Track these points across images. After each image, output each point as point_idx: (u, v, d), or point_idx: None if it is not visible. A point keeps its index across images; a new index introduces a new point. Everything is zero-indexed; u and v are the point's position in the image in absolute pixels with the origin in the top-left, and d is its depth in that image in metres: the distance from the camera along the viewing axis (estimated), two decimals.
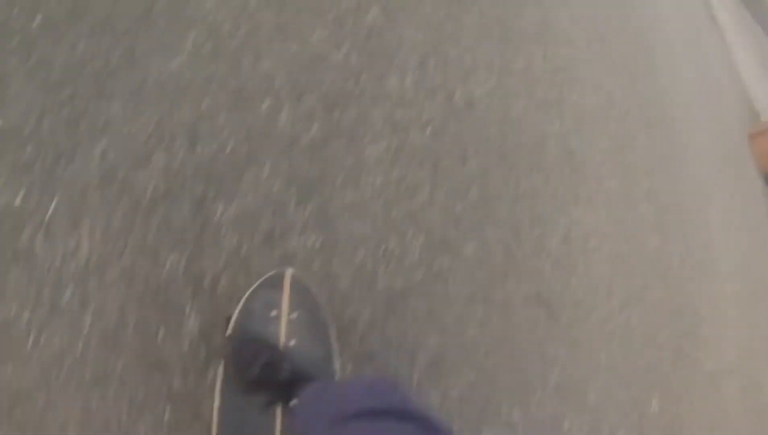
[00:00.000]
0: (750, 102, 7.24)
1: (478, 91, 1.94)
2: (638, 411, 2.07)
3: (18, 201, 0.99)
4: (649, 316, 2.43)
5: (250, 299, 1.17)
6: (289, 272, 1.18)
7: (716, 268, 3.55)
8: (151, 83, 1.19)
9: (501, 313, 1.64)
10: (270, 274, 1.19)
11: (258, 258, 1.24)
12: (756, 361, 3.59)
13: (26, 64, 1.06)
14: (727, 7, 8.41)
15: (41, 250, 1.00)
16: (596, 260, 2.24)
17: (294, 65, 1.42)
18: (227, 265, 1.21)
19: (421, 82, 1.72)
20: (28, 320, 0.96)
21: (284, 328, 1.17)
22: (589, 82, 2.85)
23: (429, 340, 1.43)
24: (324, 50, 1.50)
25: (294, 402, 1.05)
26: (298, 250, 1.29)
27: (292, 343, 1.16)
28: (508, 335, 1.63)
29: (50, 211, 1.02)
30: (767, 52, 9.03)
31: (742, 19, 8.95)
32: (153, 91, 1.19)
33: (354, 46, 1.56)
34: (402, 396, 0.90)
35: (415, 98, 1.67)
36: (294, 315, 1.17)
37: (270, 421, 1.13)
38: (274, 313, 1.17)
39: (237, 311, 1.17)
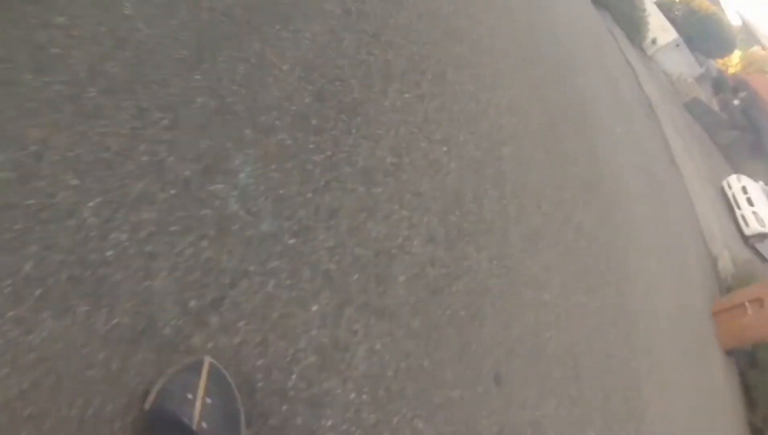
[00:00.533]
0: (707, 246, 8.23)
1: None
2: None
3: None
4: None
5: (171, 380, 1.25)
6: (208, 360, 1.30)
7: None
8: None
9: None
10: (192, 359, 1.30)
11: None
12: None
13: None
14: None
15: None
16: None
17: None
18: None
19: None
20: None
21: (198, 410, 1.25)
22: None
23: None
24: None
25: None
26: None
27: (204, 425, 1.24)
28: None
29: None
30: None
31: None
32: None
33: None
34: None
35: None
36: (209, 400, 1.27)
37: None
38: (190, 395, 1.25)
39: (155, 389, 1.23)
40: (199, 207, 1.47)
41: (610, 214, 4.64)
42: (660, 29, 16.25)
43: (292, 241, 1.65)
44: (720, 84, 20.93)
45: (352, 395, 1.60)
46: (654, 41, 16.14)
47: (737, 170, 14.31)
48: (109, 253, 1.29)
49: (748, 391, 6.65)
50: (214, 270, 1.45)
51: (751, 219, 11.33)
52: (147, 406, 1.21)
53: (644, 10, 14.95)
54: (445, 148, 2.50)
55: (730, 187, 12.44)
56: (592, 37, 9.65)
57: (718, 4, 21.86)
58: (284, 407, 1.46)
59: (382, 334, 1.76)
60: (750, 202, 11.66)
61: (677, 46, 16.75)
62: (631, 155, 6.95)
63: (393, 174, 2.12)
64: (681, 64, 17.06)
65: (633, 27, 14.41)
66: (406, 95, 2.44)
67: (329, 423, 1.52)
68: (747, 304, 6.43)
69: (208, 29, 1.68)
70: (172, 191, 1.43)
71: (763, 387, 6.54)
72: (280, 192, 1.68)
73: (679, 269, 6.47)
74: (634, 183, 6.19)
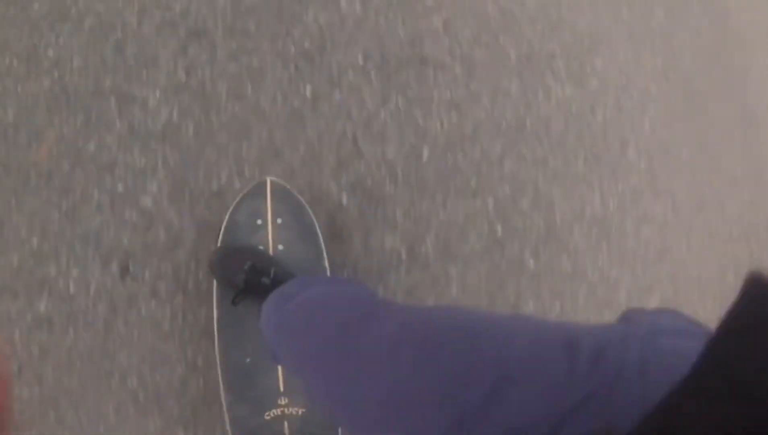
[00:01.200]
0: None
1: None
2: None
3: None
4: None
5: (235, 211, 1.19)
6: (269, 180, 1.19)
7: None
8: None
9: None
10: (251, 185, 1.20)
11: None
12: None
13: None
14: None
15: None
16: None
17: None
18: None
19: None
20: None
21: (271, 234, 1.19)
22: None
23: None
24: None
25: None
26: None
27: (280, 247, 1.18)
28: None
29: None
30: None
31: None
32: None
33: None
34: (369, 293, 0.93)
35: None
36: (279, 220, 1.19)
37: None
38: (259, 221, 1.19)
39: (223, 225, 1.19)
40: None
41: None
42: None
43: None
44: None
45: None
46: None
47: None
48: None
49: None
50: None
51: None
52: (219, 243, 1.18)
53: None
54: None
55: None
56: None
57: None
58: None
59: None
60: None
61: None
62: None
63: None
64: None
65: None
66: None
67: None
68: None
69: None
70: None
71: None
72: None
73: None
74: None
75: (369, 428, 0.59)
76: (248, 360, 1.19)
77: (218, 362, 1.19)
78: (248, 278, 1.11)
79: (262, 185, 1.19)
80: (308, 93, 1.30)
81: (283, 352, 0.87)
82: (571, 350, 0.48)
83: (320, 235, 1.19)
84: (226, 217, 1.19)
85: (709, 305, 1.42)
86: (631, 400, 0.42)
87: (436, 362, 0.55)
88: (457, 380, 0.51)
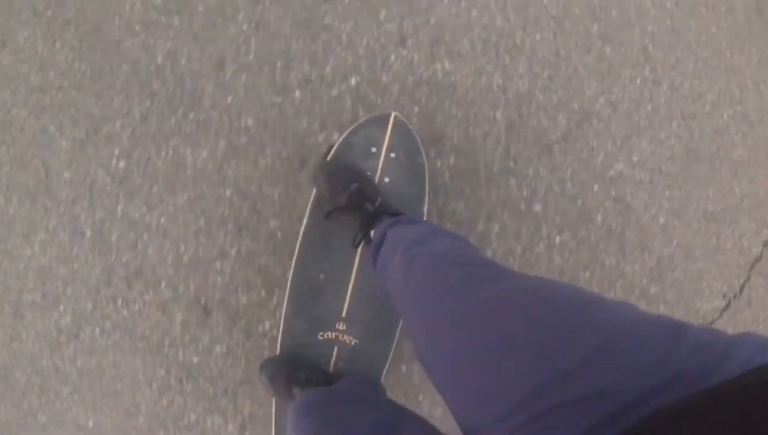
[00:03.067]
0: None
1: None
2: None
3: None
4: None
5: (354, 132, 1.20)
6: (393, 114, 1.20)
7: None
8: None
9: None
10: (376, 113, 1.21)
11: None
12: None
13: None
14: None
15: None
16: None
17: None
18: None
19: None
20: None
21: (381, 164, 1.19)
22: None
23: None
24: None
25: (374, 231, 1.07)
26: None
27: (387, 180, 1.19)
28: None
29: None
30: None
31: None
32: None
33: None
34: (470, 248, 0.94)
35: None
36: (393, 155, 1.20)
37: (351, 250, 1.18)
38: (374, 149, 1.20)
39: (339, 141, 1.20)
40: None
41: None
42: None
43: None
44: None
45: None
46: None
47: None
48: None
49: None
50: None
51: None
52: (330, 157, 1.19)
53: None
54: None
55: None
56: None
57: None
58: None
59: None
60: None
61: None
62: None
63: None
64: None
65: None
66: None
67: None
68: None
69: None
70: None
71: None
72: None
73: None
74: None
75: (465, 373, 0.60)
76: (321, 276, 1.19)
77: (292, 270, 1.20)
78: (352, 198, 1.11)
79: (386, 117, 1.20)
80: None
81: (401, 290, 0.87)
82: (677, 333, 0.49)
83: (427, 179, 1.20)
84: (343, 135, 1.20)
85: None
86: None
87: (543, 321, 0.56)
88: (559, 342, 0.53)
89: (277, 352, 1.22)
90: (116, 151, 1.26)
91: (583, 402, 0.47)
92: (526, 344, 0.55)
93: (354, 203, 1.11)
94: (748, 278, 1.43)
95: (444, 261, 0.83)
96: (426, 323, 0.73)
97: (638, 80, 1.36)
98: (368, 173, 1.19)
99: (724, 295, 1.42)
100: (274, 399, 1.25)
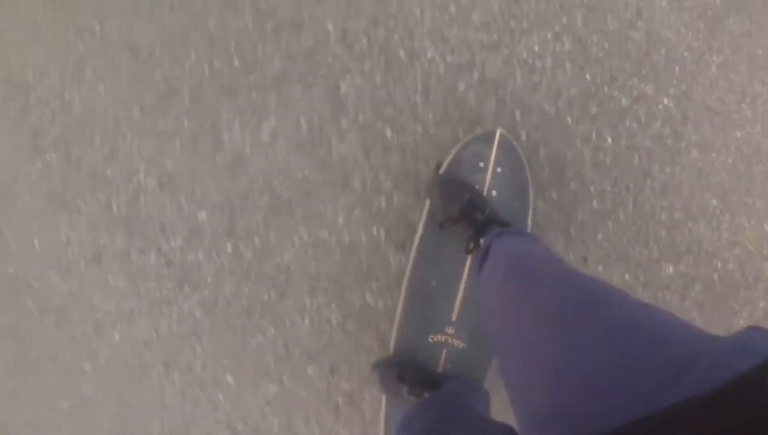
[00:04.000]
0: None
1: None
2: None
3: None
4: None
5: (462, 149, 1.29)
6: (499, 131, 1.28)
7: None
8: None
9: None
10: (483, 131, 1.30)
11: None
12: None
13: None
14: None
15: None
16: None
17: None
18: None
19: None
20: None
21: (489, 179, 1.28)
22: None
23: None
24: None
25: (483, 239, 1.14)
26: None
27: (494, 193, 1.28)
28: None
29: None
30: None
31: None
32: None
33: None
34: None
35: None
36: (499, 169, 1.28)
37: (461, 258, 1.26)
38: (481, 164, 1.28)
39: (449, 157, 1.29)
40: None
41: None
42: None
43: None
44: None
45: None
46: None
47: None
48: None
49: None
50: None
51: None
52: (441, 171, 1.28)
53: None
54: None
55: None
56: None
57: None
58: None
59: None
60: None
61: None
62: None
63: None
64: None
65: None
66: None
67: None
68: None
69: None
70: None
71: None
72: None
73: None
74: None
75: (564, 401, 0.56)
76: (434, 283, 1.28)
77: (407, 277, 1.29)
78: (464, 209, 1.19)
79: (492, 134, 1.29)
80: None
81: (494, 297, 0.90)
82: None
83: (531, 194, 1.28)
84: (453, 151, 1.29)
85: None
86: None
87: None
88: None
89: (390, 352, 1.32)
90: None
91: None
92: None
93: (466, 214, 1.19)
94: None
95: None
96: (528, 345, 0.70)
97: None
98: (477, 186, 1.28)
99: None
100: (384, 396, 1.35)
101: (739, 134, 1.39)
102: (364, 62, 1.35)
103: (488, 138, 1.29)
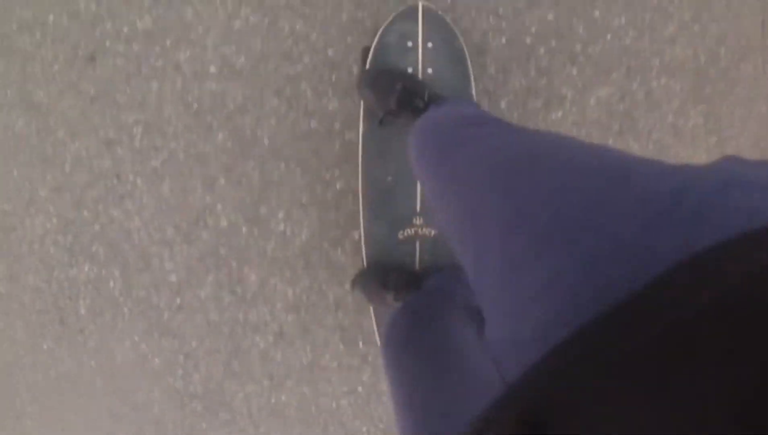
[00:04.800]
0: None
1: None
2: None
3: None
4: None
5: (386, 33, 1.20)
6: (421, 3, 1.19)
7: None
8: None
9: None
10: (403, 7, 1.20)
11: None
12: None
13: None
14: None
15: None
16: None
17: None
18: None
19: None
20: None
21: (421, 57, 1.20)
22: None
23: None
24: None
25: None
26: None
27: (430, 71, 1.20)
28: None
29: None
30: None
31: None
32: None
33: None
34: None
35: None
36: (430, 45, 1.20)
37: None
38: (410, 43, 1.20)
39: (373, 45, 1.20)
40: None
41: None
42: None
43: None
44: None
45: None
46: None
47: None
48: None
49: None
50: None
51: None
52: (368, 64, 1.20)
53: None
54: None
55: None
56: None
57: None
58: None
59: None
60: None
61: None
62: None
63: None
64: None
65: None
66: None
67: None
68: None
69: None
70: None
71: None
72: None
73: None
74: None
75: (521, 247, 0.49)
76: (389, 178, 1.24)
77: (360, 181, 1.25)
78: (401, 99, 1.12)
79: (414, 9, 1.19)
80: None
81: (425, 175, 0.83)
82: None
83: (469, 60, 1.21)
84: (376, 39, 1.20)
85: None
86: None
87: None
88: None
89: (364, 264, 1.30)
90: None
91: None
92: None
93: (404, 103, 1.13)
94: None
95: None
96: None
97: None
98: (410, 69, 1.20)
99: None
100: (371, 308, 1.34)
101: None
102: None
103: (411, 13, 1.20)
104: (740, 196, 0.37)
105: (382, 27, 1.20)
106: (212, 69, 1.27)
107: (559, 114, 1.33)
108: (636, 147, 1.35)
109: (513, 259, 0.48)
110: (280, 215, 1.34)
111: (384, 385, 1.43)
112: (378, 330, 1.36)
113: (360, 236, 1.29)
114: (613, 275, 0.37)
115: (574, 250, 0.41)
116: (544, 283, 0.42)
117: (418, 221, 1.26)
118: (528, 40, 1.29)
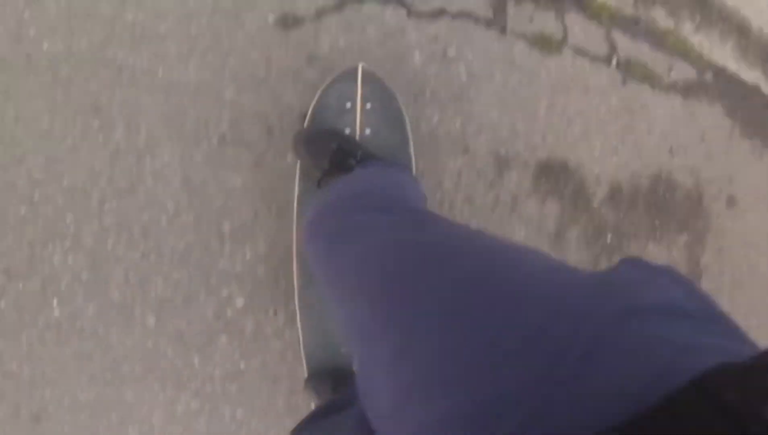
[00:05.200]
0: None
1: None
2: None
3: None
4: None
5: (325, 93, 1.18)
6: (360, 65, 1.17)
7: None
8: None
9: None
10: (343, 69, 1.19)
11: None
12: None
13: None
14: None
15: None
16: None
17: None
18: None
19: None
20: None
21: (359, 118, 1.17)
22: None
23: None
24: None
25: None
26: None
27: (368, 131, 1.17)
28: None
29: None
30: None
31: None
32: None
33: None
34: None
35: None
36: (369, 106, 1.17)
37: None
38: (348, 104, 1.17)
39: (312, 105, 1.19)
40: None
41: None
42: None
43: None
44: None
45: None
46: None
47: None
48: None
49: None
50: None
51: None
52: (306, 123, 1.18)
53: None
54: None
55: None
56: None
57: None
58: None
59: None
60: None
61: None
62: None
63: None
64: None
65: None
66: None
67: None
68: None
69: None
70: None
71: None
72: None
73: None
74: None
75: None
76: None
77: (294, 239, 1.20)
78: (334, 159, 1.08)
79: (353, 70, 1.18)
80: None
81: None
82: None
83: (408, 122, 1.17)
84: (315, 99, 1.18)
85: None
86: None
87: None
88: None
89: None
90: None
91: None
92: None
93: (337, 163, 1.09)
94: None
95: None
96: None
97: None
98: (348, 130, 1.17)
99: None
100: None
101: None
102: None
103: (350, 75, 1.18)
104: (638, 328, 0.36)
105: (321, 87, 1.19)
106: None
107: None
108: None
109: (401, 390, 0.45)
110: None
111: None
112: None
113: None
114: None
115: (460, 399, 0.40)
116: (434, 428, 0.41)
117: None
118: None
